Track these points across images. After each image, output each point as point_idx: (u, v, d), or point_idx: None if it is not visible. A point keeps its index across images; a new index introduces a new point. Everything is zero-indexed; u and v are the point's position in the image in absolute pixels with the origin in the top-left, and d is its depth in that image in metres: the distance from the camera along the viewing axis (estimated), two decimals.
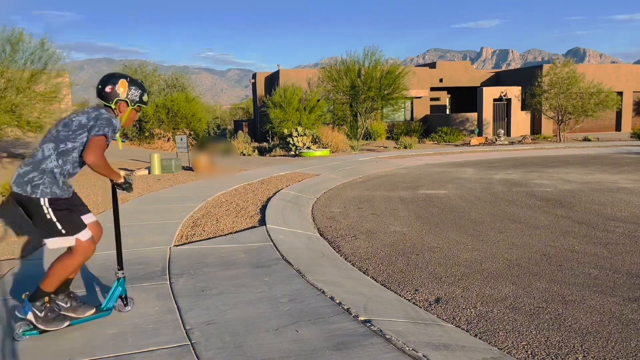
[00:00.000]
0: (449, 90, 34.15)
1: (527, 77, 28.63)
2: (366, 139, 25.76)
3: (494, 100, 28.30)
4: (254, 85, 35.18)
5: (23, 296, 3.18)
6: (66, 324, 3.19)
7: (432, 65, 33.74)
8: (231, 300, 3.81)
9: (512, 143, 24.05)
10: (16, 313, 3.17)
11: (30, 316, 3.08)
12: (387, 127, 28.36)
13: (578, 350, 3.24)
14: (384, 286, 4.54)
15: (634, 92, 31.40)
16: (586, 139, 24.70)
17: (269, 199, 8.59)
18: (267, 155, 21.51)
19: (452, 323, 3.71)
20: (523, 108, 28.48)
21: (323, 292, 3.96)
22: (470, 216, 7.65)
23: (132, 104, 3.33)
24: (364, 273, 4.94)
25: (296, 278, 4.35)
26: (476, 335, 3.48)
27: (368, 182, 12.00)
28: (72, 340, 3.13)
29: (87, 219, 3.30)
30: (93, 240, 3.21)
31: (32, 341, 3.12)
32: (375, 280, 4.73)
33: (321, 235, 6.60)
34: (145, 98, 3.40)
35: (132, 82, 3.33)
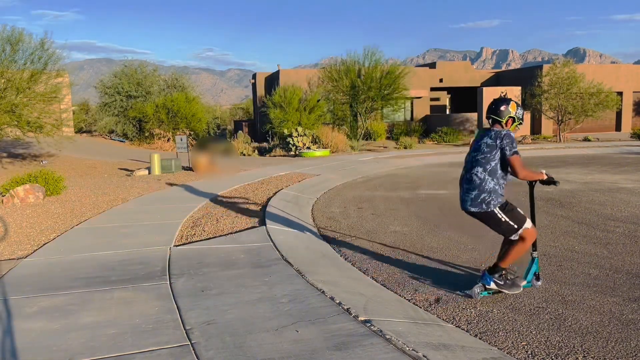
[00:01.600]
0: (449, 90, 34.14)
1: (527, 77, 28.62)
2: (366, 139, 25.76)
3: None
4: (254, 85, 35.18)
5: (484, 268, 4.41)
6: (520, 289, 4.23)
7: (432, 65, 33.73)
8: (231, 300, 3.81)
9: None
10: (479, 282, 4.19)
11: (492, 285, 4.13)
12: (387, 128, 28.32)
13: (578, 350, 3.24)
14: (384, 286, 4.54)
15: (634, 92, 31.39)
16: (586, 139, 24.69)
17: (269, 199, 8.59)
18: (267, 155, 21.52)
19: (452, 323, 3.71)
20: (523, 108, 28.48)
21: (323, 292, 3.96)
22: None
23: (517, 119, 4.24)
24: (364, 273, 4.94)
25: (296, 278, 4.35)
26: (476, 335, 3.48)
27: (368, 183, 12.00)
28: (72, 340, 3.13)
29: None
30: (533, 227, 4.18)
31: (33, 341, 3.12)
32: (375, 280, 4.73)
33: (321, 236, 6.60)
34: (523, 118, 4.30)
35: (518, 105, 4.27)
